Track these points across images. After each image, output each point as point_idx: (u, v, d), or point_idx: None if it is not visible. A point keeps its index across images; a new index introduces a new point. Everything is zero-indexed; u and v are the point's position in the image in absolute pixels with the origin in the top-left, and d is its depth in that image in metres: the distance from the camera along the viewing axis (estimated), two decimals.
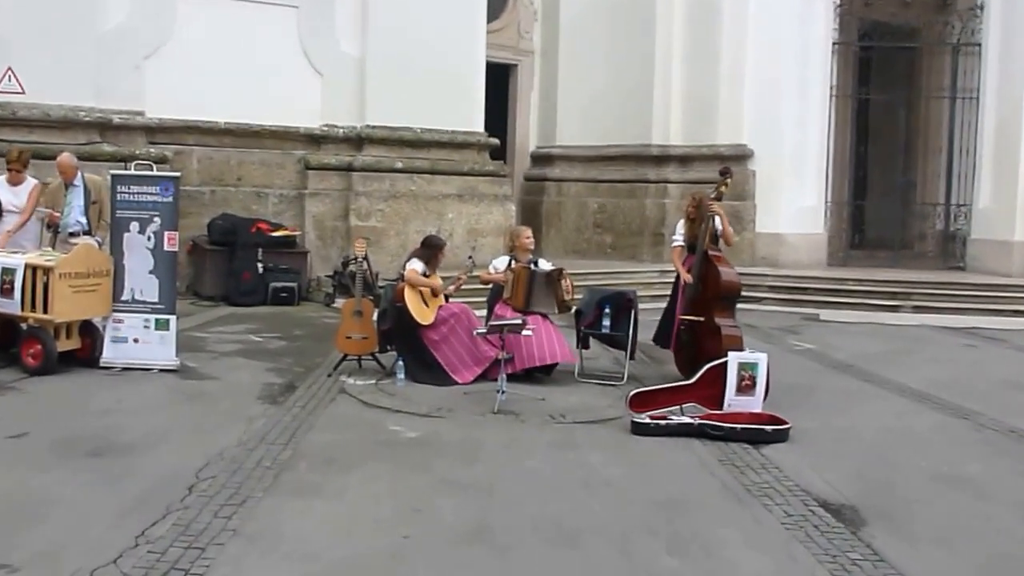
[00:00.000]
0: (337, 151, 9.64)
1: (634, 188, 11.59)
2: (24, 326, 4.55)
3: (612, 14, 10.02)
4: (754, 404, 4.30)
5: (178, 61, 7.62)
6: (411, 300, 5.24)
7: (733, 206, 10.94)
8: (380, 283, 8.12)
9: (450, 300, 5.51)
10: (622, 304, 5.58)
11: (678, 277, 5.61)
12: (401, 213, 9.41)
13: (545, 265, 5.56)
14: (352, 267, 7.82)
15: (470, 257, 5.73)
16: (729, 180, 5.48)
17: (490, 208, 9.98)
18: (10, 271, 4.46)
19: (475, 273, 5.62)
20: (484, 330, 4.98)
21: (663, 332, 5.75)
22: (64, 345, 4.57)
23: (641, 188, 11.52)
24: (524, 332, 4.96)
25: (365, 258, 5.74)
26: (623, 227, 11.77)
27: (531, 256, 5.60)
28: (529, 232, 5.62)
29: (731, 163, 8.93)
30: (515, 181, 12.27)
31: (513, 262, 5.54)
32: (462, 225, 9.73)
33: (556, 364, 5.29)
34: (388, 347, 5.44)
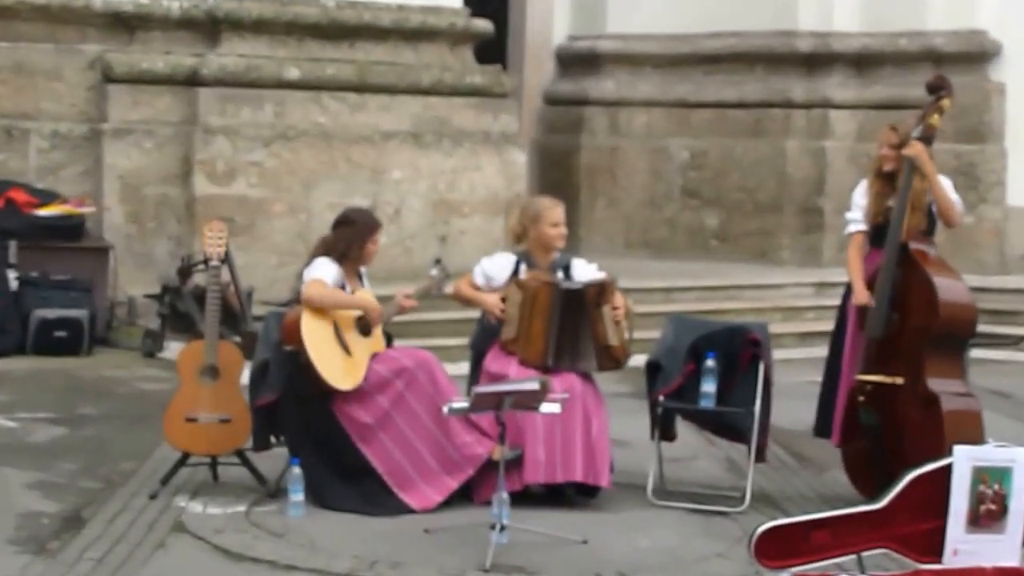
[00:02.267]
0: (168, 44, 9.72)
1: (764, 118, 11.56)
2: None
3: None
4: (1006, 550, 4.15)
5: None
6: (316, 342, 5.31)
7: (960, 153, 10.79)
8: (257, 310, 8.29)
9: (394, 343, 5.74)
10: (739, 352, 5.69)
11: (847, 296, 5.72)
12: (298, 170, 9.75)
13: (581, 273, 5.75)
14: (200, 278, 8.12)
15: (437, 261, 5.84)
16: (947, 101, 5.55)
17: (476, 158, 10.24)
18: None
19: (446, 289, 5.79)
20: (464, 404, 5.03)
21: (825, 409, 5.82)
22: None
23: (778, 118, 11.48)
24: (544, 408, 5.04)
25: (224, 260, 5.85)
26: (741, 196, 11.70)
27: (557, 259, 5.78)
28: (560, 213, 5.74)
29: (954, 69, 9.60)
30: (526, 105, 12.35)
31: (523, 268, 5.71)
32: (420, 193, 9.98)
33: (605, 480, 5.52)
34: (272, 439, 5.57)
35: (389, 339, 5.75)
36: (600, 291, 5.54)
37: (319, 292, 5.34)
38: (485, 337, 5.76)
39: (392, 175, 9.82)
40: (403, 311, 5.68)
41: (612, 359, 5.54)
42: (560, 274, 5.66)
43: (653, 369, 5.74)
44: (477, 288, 5.72)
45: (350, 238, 5.54)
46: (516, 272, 5.64)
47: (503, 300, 5.60)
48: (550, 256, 5.70)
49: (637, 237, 11.85)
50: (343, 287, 5.48)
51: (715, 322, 6.28)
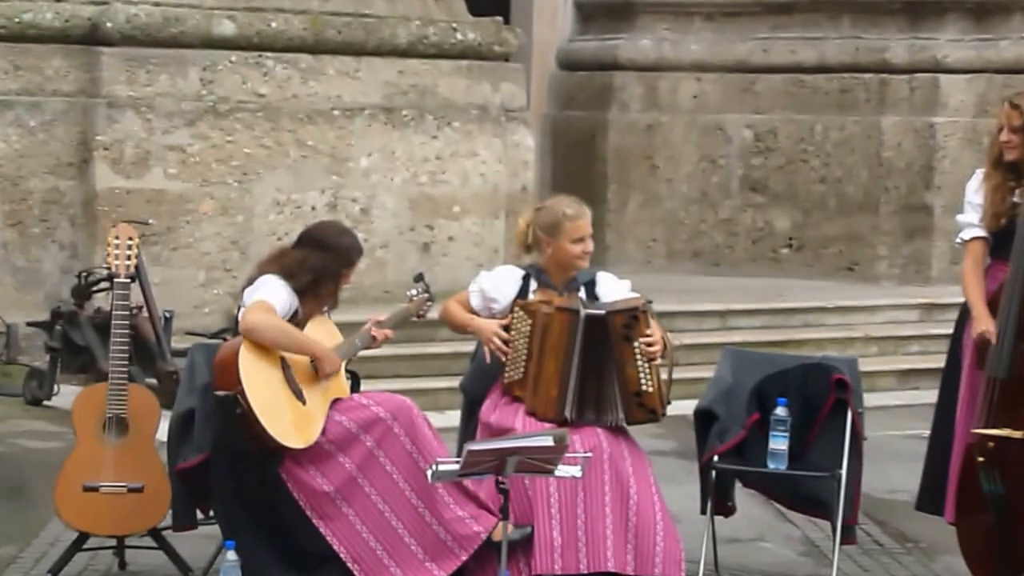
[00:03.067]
0: None
1: (852, 87, 11.59)
2: None
3: None
4: None
5: None
6: (259, 385, 5.31)
7: None
8: (179, 343, 8.23)
9: (362, 386, 5.76)
10: (819, 397, 5.70)
11: (963, 321, 5.70)
12: (233, 156, 9.72)
13: (610, 293, 5.81)
14: (103, 301, 8.22)
15: (419, 278, 5.90)
16: None
17: (470, 141, 10.21)
18: None
19: (430, 314, 5.88)
20: (455, 466, 4.98)
21: (934, 474, 5.80)
22: None
23: (872, 86, 11.50)
24: (561, 472, 5.01)
25: (135, 276, 5.96)
26: (822, 190, 11.74)
27: (579, 279, 5.80)
28: (586, 224, 5.78)
29: None
30: (535, 71, 12.34)
31: (532, 287, 5.76)
32: (395, 187, 10.02)
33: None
34: (199, 514, 5.54)
35: (356, 381, 5.75)
36: (630, 319, 5.53)
37: (265, 321, 5.32)
38: (481, 378, 5.75)
39: (358, 163, 9.82)
40: (375, 344, 5.67)
41: (645, 409, 5.52)
42: (582, 294, 5.69)
43: (705, 420, 5.72)
44: (473, 313, 5.72)
45: (320, 270, 5.56)
46: (523, 292, 5.65)
47: (506, 330, 5.59)
48: (568, 277, 5.72)
49: (683, 245, 11.83)
50: (295, 317, 5.45)
51: (787, 357, 6.25)
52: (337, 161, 9.78)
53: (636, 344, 5.48)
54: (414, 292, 5.80)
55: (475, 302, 5.71)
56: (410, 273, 6.13)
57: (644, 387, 5.47)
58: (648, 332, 5.52)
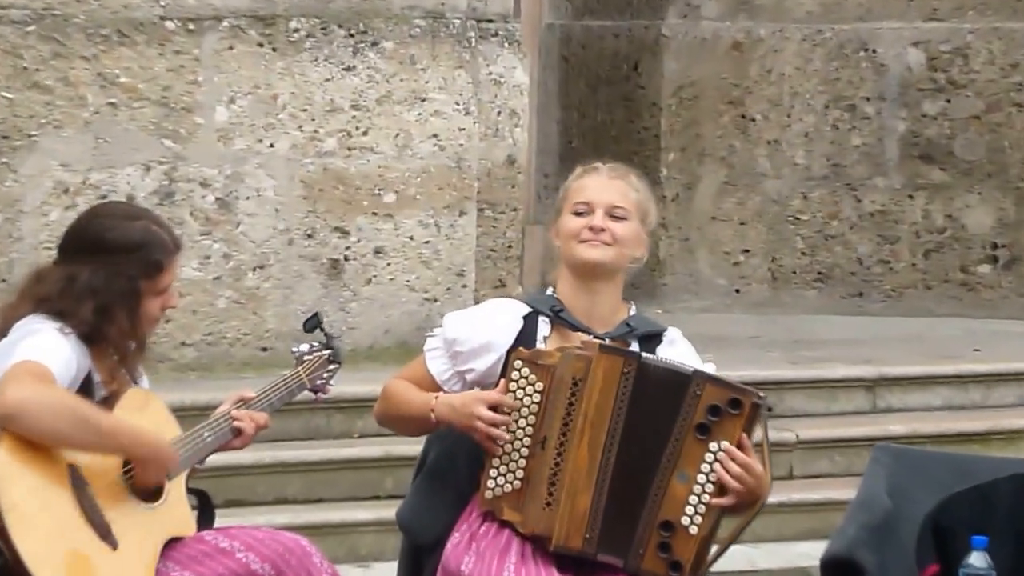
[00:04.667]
0: None
1: None
2: None
3: None
4: None
5: None
6: (29, 514, 5.36)
7: None
8: None
9: (215, 520, 5.85)
10: None
11: None
12: None
13: (671, 347, 6.16)
14: None
15: (316, 324, 6.14)
16: None
17: (415, 77, 10.56)
18: None
19: (335, 383, 6.18)
20: None
21: None
22: None
23: None
24: None
25: None
26: None
27: (635, 326, 6.14)
28: (598, 184, 6.14)
29: None
30: None
31: (542, 335, 6.07)
32: (278, 163, 10.32)
33: None
34: None
35: (206, 507, 5.86)
36: (727, 402, 5.72)
37: (37, 398, 5.34)
38: (433, 502, 5.98)
39: (210, 117, 9.98)
40: (238, 442, 5.80)
41: (666, 558, 5.73)
42: (634, 347, 5.94)
43: (841, 573, 5.76)
44: (432, 388, 5.93)
45: (103, 289, 5.63)
46: (526, 340, 5.92)
47: (505, 389, 5.76)
48: (598, 295, 5.97)
49: (797, 259, 12.12)
50: (88, 386, 5.57)
51: (988, 461, 6.51)
52: (172, 114, 9.88)
53: (715, 448, 5.66)
54: (305, 349, 5.93)
55: (436, 366, 5.91)
56: (301, 316, 6.06)
57: (685, 522, 5.68)
58: (743, 441, 5.68)
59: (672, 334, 5.97)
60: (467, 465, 5.76)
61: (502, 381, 5.69)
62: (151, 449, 5.42)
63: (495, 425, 5.63)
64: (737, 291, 11.81)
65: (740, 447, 5.60)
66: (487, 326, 5.86)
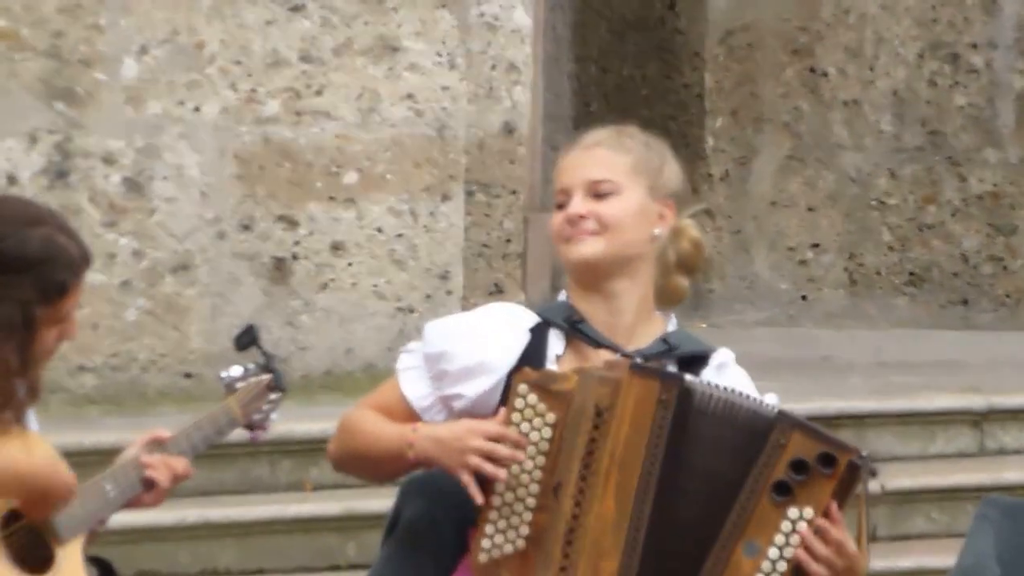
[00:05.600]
0: None
1: None
2: None
3: None
4: None
5: None
6: None
7: None
8: None
9: None
10: None
11: None
12: None
13: (720, 373, 6.59)
14: None
15: (251, 340, 6.65)
16: None
17: (382, 19, 11.97)
18: None
19: (275, 420, 6.66)
20: None
21: None
22: None
23: None
24: None
25: None
26: None
27: (674, 343, 6.54)
28: (581, 163, 6.61)
29: None
30: None
31: (554, 354, 6.48)
32: (205, 132, 11.48)
33: None
34: None
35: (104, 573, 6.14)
36: (817, 458, 6.03)
37: None
38: (410, 572, 6.39)
39: (115, 73, 10.59)
40: (150, 497, 6.22)
41: None
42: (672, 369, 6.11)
43: None
44: (409, 418, 6.28)
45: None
46: (534, 358, 6.26)
47: (507, 421, 6.10)
48: (625, 312, 6.28)
49: (883, 258, 12.67)
50: None
51: None
52: (65, 68, 10.35)
53: (795, 515, 5.99)
54: (237, 373, 6.32)
55: (413, 390, 6.28)
56: (233, 331, 6.57)
57: None
58: (831, 510, 5.99)
59: (722, 356, 6.29)
60: (453, 522, 6.15)
61: (502, 410, 6.01)
62: (39, 491, 5.88)
63: (496, 461, 5.98)
64: (804, 298, 12.15)
65: (828, 517, 5.91)
66: (482, 340, 6.20)
